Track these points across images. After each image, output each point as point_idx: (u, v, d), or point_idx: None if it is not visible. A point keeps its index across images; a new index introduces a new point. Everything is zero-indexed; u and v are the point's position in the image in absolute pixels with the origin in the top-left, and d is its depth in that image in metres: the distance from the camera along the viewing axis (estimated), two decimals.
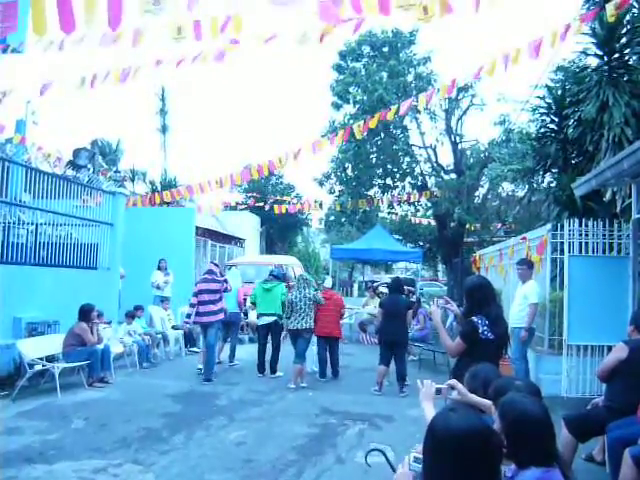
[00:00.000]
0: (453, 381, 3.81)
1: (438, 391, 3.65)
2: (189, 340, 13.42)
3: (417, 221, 28.34)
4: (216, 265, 11.41)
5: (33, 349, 9.23)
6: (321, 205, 27.64)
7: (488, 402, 3.50)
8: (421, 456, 2.56)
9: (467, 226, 24.47)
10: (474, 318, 4.90)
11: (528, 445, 2.72)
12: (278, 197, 30.37)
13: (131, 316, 12.17)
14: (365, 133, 17.12)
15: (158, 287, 14.75)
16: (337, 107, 24.95)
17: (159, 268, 15.04)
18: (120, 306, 13.91)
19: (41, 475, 5.60)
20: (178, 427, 7.42)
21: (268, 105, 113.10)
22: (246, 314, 14.74)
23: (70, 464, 5.91)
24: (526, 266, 9.56)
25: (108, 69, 11.18)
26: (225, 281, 11.16)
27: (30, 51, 10.62)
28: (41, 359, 9.24)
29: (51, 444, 6.58)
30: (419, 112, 23.87)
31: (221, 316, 10.78)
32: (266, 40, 9.67)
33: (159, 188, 29.26)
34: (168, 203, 19.46)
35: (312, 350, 10.94)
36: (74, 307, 9.94)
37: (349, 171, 25.89)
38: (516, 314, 9.15)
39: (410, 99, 15.78)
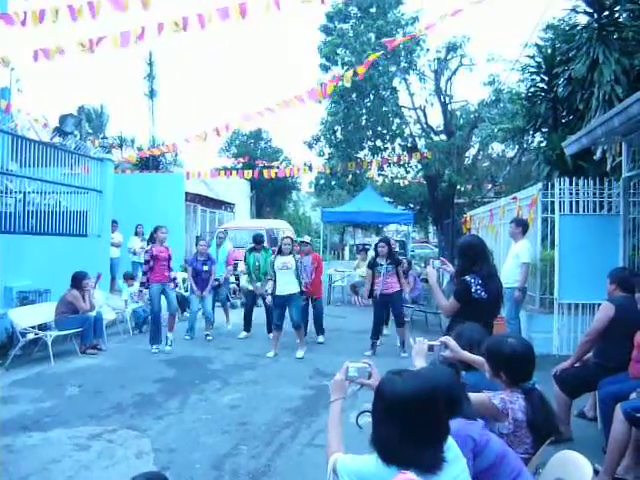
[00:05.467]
0: (445, 338, 3.84)
1: (430, 348, 3.69)
2: (181, 306, 13.40)
3: (406, 183, 28.27)
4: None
5: (25, 318, 9.20)
6: (310, 168, 27.52)
7: (480, 359, 3.53)
8: (360, 365, 3.16)
9: (458, 187, 24.47)
10: (467, 277, 4.91)
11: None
12: (267, 162, 30.20)
13: (130, 278, 12.20)
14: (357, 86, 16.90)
15: (134, 253, 14.76)
16: (325, 69, 24.74)
17: (136, 234, 15.04)
18: (118, 274, 13.94)
19: (37, 443, 5.62)
20: (172, 392, 7.45)
21: (256, 68, 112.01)
22: (237, 279, 14.76)
23: (65, 431, 5.94)
24: (514, 224, 9.53)
25: (104, 34, 11.11)
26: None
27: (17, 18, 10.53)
28: (33, 328, 9.22)
29: (46, 412, 6.60)
30: (408, 73, 23.73)
31: None
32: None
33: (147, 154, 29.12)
34: (157, 168, 19.35)
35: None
36: (65, 275, 9.91)
37: (338, 133, 25.77)
38: (507, 273, 9.13)
39: (404, 37, 15.66)
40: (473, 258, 5.02)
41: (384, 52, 21.26)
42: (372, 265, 10.07)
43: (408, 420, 2.32)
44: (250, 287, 11.39)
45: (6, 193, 10.63)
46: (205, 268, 11.08)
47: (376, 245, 10.43)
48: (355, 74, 15.17)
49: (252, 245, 11.49)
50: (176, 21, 10.86)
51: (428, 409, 2.35)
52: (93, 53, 11.11)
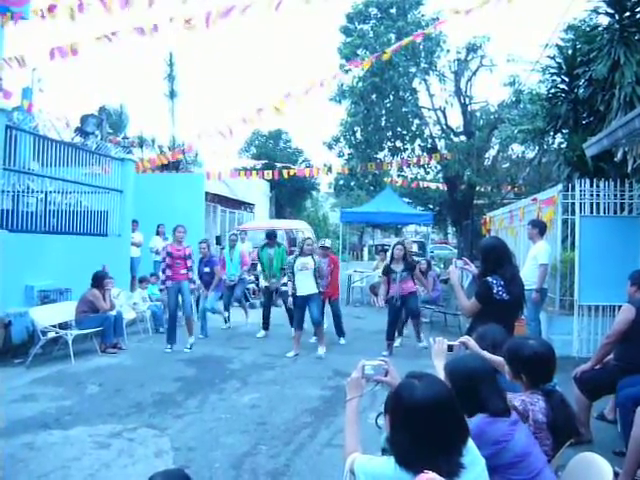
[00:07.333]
0: (465, 338, 3.84)
1: (450, 348, 3.68)
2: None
3: (426, 185, 28.18)
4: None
5: (46, 317, 9.28)
6: (330, 169, 27.53)
7: (500, 359, 3.53)
8: (376, 363, 3.13)
9: (477, 188, 24.34)
10: (489, 278, 4.91)
11: (476, 396, 2.91)
12: (288, 166, 30.23)
13: (145, 281, 12.28)
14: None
15: (157, 252, 14.84)
16: (345, 70, 24.70)
17: (157, 233, 15.14)
18: (138, 273, 14.02)
19: (57, 440, 5.67)
20: (192, 391, 7.49)
21: (276, 68, 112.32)
22: (257, 279, 14.80)
23: (86, 429, 5.99)
24: (531, 225, 9.48)
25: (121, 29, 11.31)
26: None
27: (38, 18, 10.65)
28: (54, 326, 9.30)
29: (66, 410, 6.66)
30: (428, 74, 23.64)
31: None
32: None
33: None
34: (177, 168, 19.35)
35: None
36: (86, 274, 9.99)
37: (358, 134, 25.72)
38: (526, 275, 9.07)
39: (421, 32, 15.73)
40: (495, 260, 5.01)
41: (404, 54, 21.29)
42: (387, 272, 10.15)
43: (426, 427, 2.26)
44: (266, 283, 11.47)
45: (28, 192, 10.72)
46: (206, 270, 11.49)
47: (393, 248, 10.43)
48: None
49: (265, 242, 11.73)
50: (185, 18, 11.06)
51: (447, 416, 2.30)
52: (110, 41, 11.28)
